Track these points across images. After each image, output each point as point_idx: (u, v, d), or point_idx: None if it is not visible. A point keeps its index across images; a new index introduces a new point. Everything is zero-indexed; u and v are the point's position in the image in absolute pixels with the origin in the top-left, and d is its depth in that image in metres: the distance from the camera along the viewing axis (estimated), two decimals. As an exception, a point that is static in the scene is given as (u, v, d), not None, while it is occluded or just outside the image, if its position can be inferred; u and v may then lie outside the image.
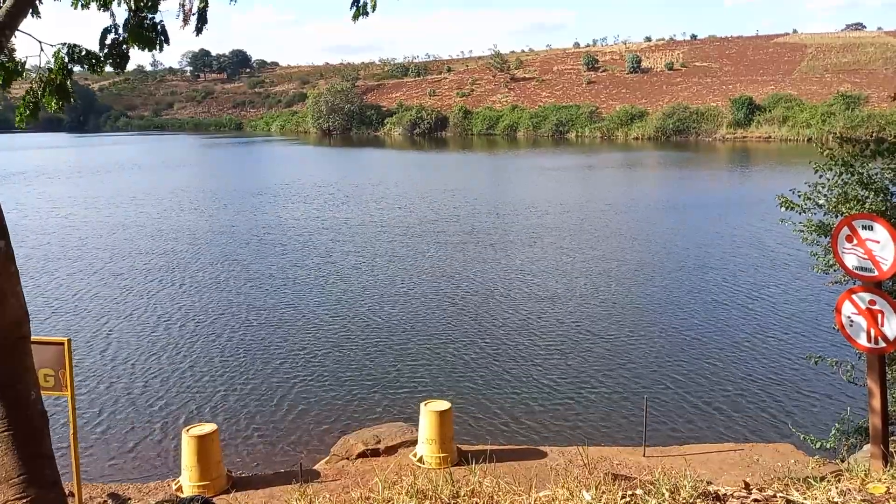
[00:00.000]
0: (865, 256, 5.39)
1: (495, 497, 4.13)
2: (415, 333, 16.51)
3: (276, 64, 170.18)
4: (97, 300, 19.61)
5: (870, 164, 8.33)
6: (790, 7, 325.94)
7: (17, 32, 4.32)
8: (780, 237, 24.44)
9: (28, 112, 4.80)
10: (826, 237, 8.23)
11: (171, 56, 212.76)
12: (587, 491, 3.88)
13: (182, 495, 8.72)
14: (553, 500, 3.94)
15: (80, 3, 4.77)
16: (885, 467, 4.90)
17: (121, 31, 4.89)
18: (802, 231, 8.70)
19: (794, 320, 16.94)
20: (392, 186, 43.79)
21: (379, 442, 10.05)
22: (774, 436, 11.16)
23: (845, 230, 5.54)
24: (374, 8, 5.03)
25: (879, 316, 5.36)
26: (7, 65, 4.63)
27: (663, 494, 3.74)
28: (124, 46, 4.90)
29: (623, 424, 11.84)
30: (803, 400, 12.66)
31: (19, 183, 49.21)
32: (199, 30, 5.07)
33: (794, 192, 8.79)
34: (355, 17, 5.12)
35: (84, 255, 25.43)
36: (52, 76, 4.71)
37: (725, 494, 3.84)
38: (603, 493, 3.84)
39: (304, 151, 78.63)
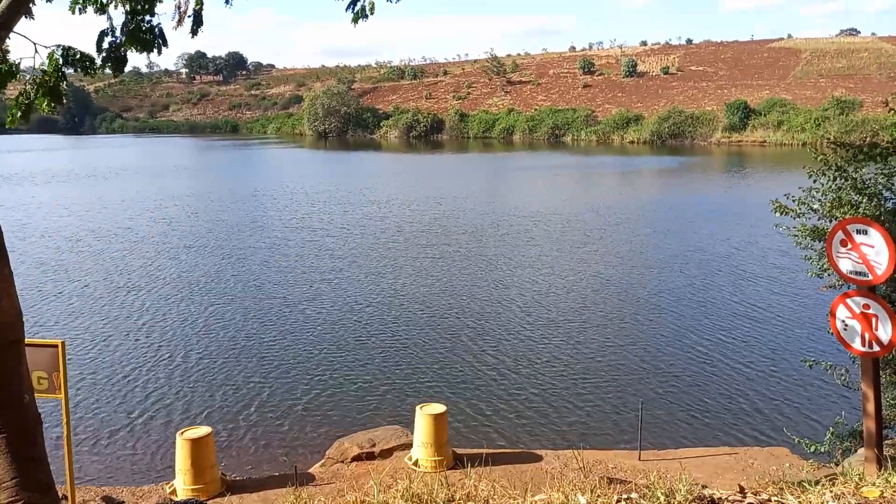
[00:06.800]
0: (860, 261, 5.42)
1: (490, 501, 4.13)
2: (410, 337, 16.49)
3: (272, 66, 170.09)
4: (92, 302, 19.54)
5: (863, 170, 8.35)
6: (785, 12, 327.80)
7: (10, 34, 4.30)
8: (774, 242, 24.49)
9: (20, 113, 4.76)
10: (820, 242, 8.24)
11: (167, 58, 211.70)
12: (582, 494, 3.88)
13: (176, 499, 8.69)
14: (548, 503, 3.94)
15: (77, 7, 4.74)
16: (880, 471, 4.91)
17: (118, 33, 4.86)
18: (797, 235, 8.70)
19: (789, 324, 16.98)
20: (386, 191, 43.78)
21: (374, 445, 10.04)
22: (769, 440, 11.19)
23: (840, 235, 5.56)
24: (372, 10, 5.02)
25: (874, 320, 5.38)
26: (0, 66, 4.60)
27: (658, 498, 3.75)
28: (122, 49, 4.87)
29: (618, 428, 11.84)
30: (798, 404, 12.68)
31: (18, 185, 49.01)
32: (194, 31, 5.04)
33: (787, 197, 8.80)
34: (355, 21, 5.11)
35: (80, 257, 25.34)
36: (46, 78, 4.67)
37: (720, 498, 3.84)
38: (598, 496, 3.84)
39: (300, 155, 78.51)
